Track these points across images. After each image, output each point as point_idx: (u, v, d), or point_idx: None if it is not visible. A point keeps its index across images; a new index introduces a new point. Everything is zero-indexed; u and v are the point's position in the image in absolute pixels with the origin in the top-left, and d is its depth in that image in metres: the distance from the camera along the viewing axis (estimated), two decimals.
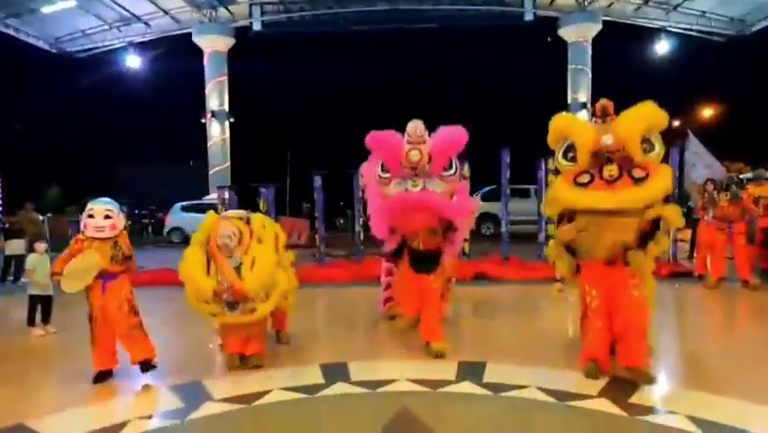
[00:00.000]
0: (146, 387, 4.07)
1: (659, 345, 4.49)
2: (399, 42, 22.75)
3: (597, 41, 20.90)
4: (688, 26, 21.48)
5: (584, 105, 20.45)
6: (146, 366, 4.20)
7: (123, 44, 21.80)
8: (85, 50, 22.08)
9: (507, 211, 10.64)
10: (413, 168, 4.40)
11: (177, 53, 21.75)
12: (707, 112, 28.84)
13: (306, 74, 24.34)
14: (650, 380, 3.78)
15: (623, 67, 22.83)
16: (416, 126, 4.49)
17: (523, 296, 7.64)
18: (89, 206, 4.15)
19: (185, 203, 17.90)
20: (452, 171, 4.55)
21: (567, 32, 20.81)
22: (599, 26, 20.55)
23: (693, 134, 14.95)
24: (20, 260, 9.66)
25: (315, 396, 3.84)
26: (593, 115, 4.07)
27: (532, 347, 5.01)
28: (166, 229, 18.00)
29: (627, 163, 3.72)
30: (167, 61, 22.71)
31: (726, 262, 8.08)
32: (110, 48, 22.05)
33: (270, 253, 4.33)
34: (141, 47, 22.01)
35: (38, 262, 5.87)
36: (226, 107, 21.30)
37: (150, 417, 3.54)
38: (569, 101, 20.98)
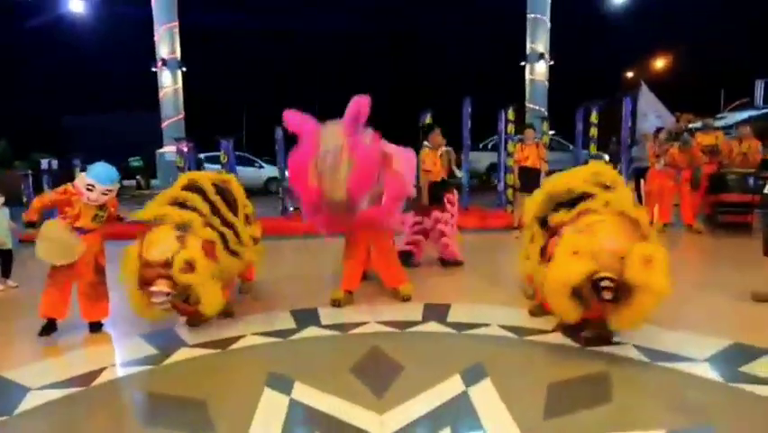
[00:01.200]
0: (119, 336, 4.13)
1: None
2: None
3: None
4: None
5: (542, 56, 20.56)
6: (95, 326, 4.25)
7: None
8: None
9: (467, 162, 10.81)
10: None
11: None
12: (660, 62, 29.52)
13: (262, 22, 23.51)
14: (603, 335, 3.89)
15: (580, 17, 22.95)
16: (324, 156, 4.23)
17: (484, 243, 7.90)
18: (89, 178, 4.04)
19: (207, 154, 17.17)
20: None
21: None
22: None
23: (645, 85, 15.34)
24: None
25: (288, 339, 3.99)
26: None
27: (493, 290, 5.27)
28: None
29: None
30: (113, 6, 21.51)
31: (672, 209, 8.54)
32: None
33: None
34: None
35: None
36: (178, 56, 20.46)
37: (125, 363, 3.61)
38: (527, 51, 21.04)
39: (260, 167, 19.25)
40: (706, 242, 7.70)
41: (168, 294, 3.54)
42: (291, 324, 4.29)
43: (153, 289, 3.53)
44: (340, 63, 23.27)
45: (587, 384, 3.10)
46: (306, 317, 4.43)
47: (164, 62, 20.08)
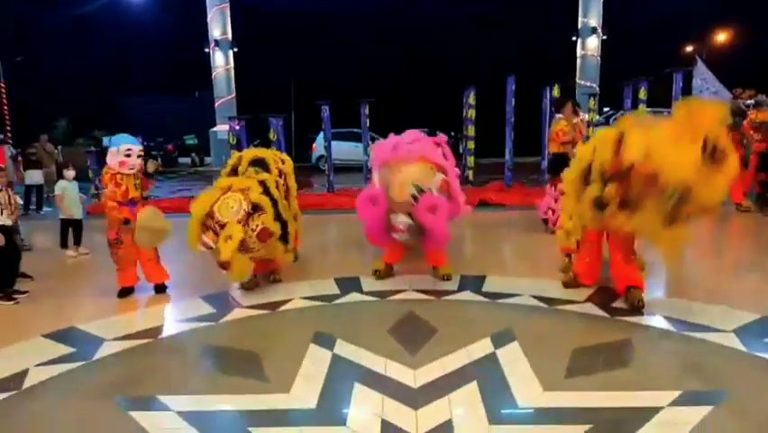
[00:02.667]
0: (181, 297, 4.56)
1: (654, 262, 4.80)
2: None
3: None
4: None
5: (594, 30, 20.05)
6: (160, 288, 4.70)
7: None
8: None
9: (512, 141, 10.83)
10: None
11: None
12: (722, 36, 28.16)
13: (310, 2, 23.71)
14: (639, 303, 3.92)
15: None
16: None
17: (523, 220, 7.99)
18: (120, 144, 4.46)
19: (334, 130, 17.89)
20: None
21: None
22: None
23: (701, 60, 14.81)
24: (39, 189, 10.10)
25: (332, 303, 4.31)
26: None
27: (529, 263, 5.44)
28: (314, 156, 18.48)
29: None
30: None
31: None
32: None
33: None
34: None
35: (67, 188, 6.25)
36: (229, 36, 21.01)
37: (187, 320, 4.01)
38: (579, 26, 20.54)
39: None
40: (753, 220, 7.57)
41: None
42: (335, 290, 4.61)
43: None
44: (383, 40, 23.26)
45: (609, 349, 3.28)
46: (349, 284, 4.74)
47: (216, 43, 20.69)
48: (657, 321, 3.70)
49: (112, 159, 4.51)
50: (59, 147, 15.75)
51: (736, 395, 2.70)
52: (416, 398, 2.73)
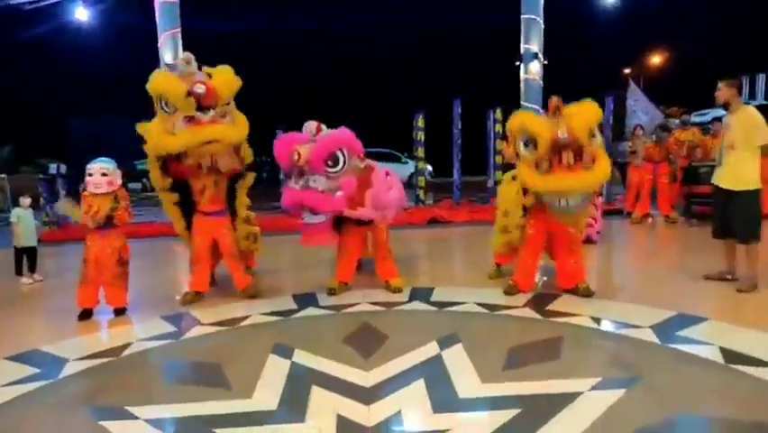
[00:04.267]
0: (142, 318, 4.70)
1: (590, 269, 5.30)
2: None
3: None
4: None
5: (536, 56, 21.05)
6: (119, 311, 4.82)
7: None
8: (30, 2, 21.24)
9: (459, 161, 11.36)
10: (297, 167, 4.51)
11: (127, 5, 21.14)
12: (655, 59, 29.99)
13: (261, 25, 24.03)
14: (589, 293, 4.69)
15: (574, 16, 23.39)
16: (307, 125, 4.66)
17: (471, 235, 8.46)
18: (88, 166, 4.62)
19: (367, 150, 17.70)
20: (336, 168, 4.52)
21: None
22: None
23: (634, 83, 15.86)
24: None
25: (290, 318, 4.55)
26: (546, 110, 4.49)
27: (474, 274, 5.82)
28: None
29: (579, 152, 4.24)
30: (116, 14, 22.05)
31: (650, 200, 9.09)
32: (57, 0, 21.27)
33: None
34: None
35: (22, 216, 6.28)
36: None
37: (149, 338, 4.17)
38: (521, 51, 21.53)
39: (405, 162, 19.63)
40: (678, 230, 8.25)
41: None
42: (293, 305, 4.86)
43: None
44: (336, 63, 23.81)
45: (541, 346, 3.66)
46: (306, 300, 5.00)
47: (168, 67, 20.66)
48: (585, 321, 4.12)
49: (84, 180, 4.70)
50: (4, 175, 15.43)
51: (647, 379, 3.09)
52: (368, 395, 3.01)
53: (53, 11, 21.45)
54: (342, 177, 4.56)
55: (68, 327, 4.54)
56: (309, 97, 21.47)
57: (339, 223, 5.07)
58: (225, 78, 4.68)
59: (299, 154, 4.38)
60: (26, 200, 6.37)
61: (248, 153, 5.10)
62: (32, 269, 6.40)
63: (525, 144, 4.44)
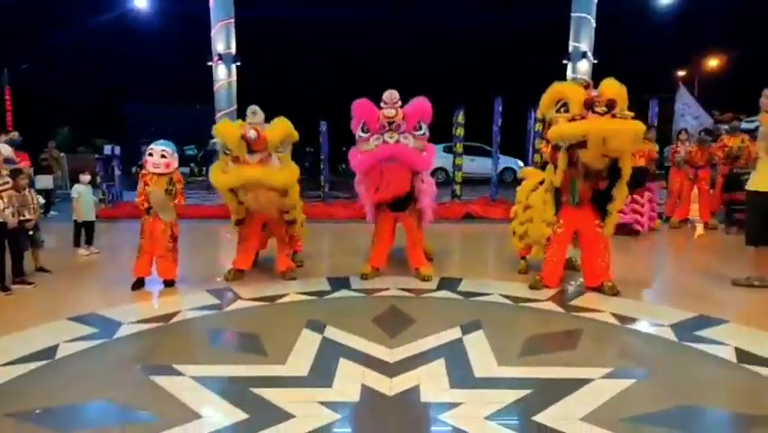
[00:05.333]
0: (188, 290, 5.09)
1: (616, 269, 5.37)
2: None
3: None
4: None
5: (584, 55, 20.77)
6: (169, 283, 5.20)
7: None
8: None
9: (498, 156, 11.45)
10: (390, 123, 4.97)
11: None
12: (712, 62, 29.08)
13: (314, 16, 24.43)
14: (615, 291, 4.80)
15: (626, 16, 22.94)
16: (390, 93, 5.10)
17: (504, 231, 8.53)
18: (150, 146, 5.03)
19: (446, 144, 18.34)
20: (421, 132, 5.14)
21: None
22: None
23: (684, 87, 15.55)
24: (49, 193, 10.59)
25: (323, 298, 4.85)
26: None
27: (503, 268, 5.99)
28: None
29: (612, 107, 4.38)
30: (173, 3, 22.86)
31: (689, 205, 9.00)
32: None
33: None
34: None
35: (82, 192, 6.78)
36: (233, 51, 21.63)
37: (195, 308, 4.53)
38: (570, 50, 21.28)
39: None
40: (715, 237, 8.16)
41: None
42: (327, 287, 5.15)
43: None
44: (382, 59, 24.01)
45: (559, 336, 3.84)
46: (340, 283, 5.28)
47: (220, 57, 21.30)
48: (606, 317, 4.25)
49: (143, 159, 5.10)
50: (63, 154, 16.31)
51: (658, 372, 3.24)
52: (391, 369, 3.26)
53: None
54: (424, 140, 5.17)
55: (121, 295, 4.96)
56: (352, 89, 21.82)
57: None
58: (278, 127, 5.05)
59: (396, 111, 4.96)
60: (86, 177, 6.86)
61: (293, 201, 5.42)
62: (89, 241, 6.89)
63: (559, 109, 4.62)
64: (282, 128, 5.06)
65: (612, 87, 4.50)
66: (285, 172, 5.01)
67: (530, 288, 5.01)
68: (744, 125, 11.26)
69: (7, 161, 5.70)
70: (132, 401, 2.92)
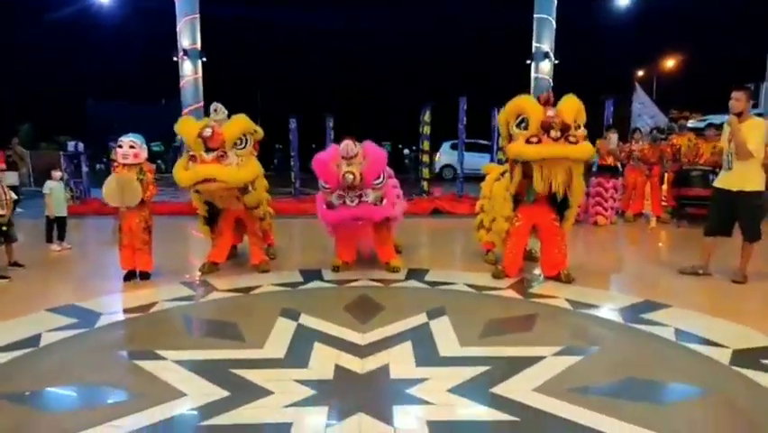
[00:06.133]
0: (165, 282, 5.23)
1: (573, 259, 5.72)
2: None
3: None
4: None
5: (546, 55, 21.37)
6: (144, 275, 5.34)
7: None
8: None
9: (462, 155, 11.81)
10: (350, 184, 5.02)
11: None
12: (669, 62, 30.19)
13: (278, 14, 24.47)
14: (570, 279, 5.16)
15: (586, 18, 23.66)
16: (346, 146, 5.08)
17: (470, 226, 8.88)
18: (119, 139, 5.15)
19: (453, 141, 18.11)
20: (379, 181, 5.20)
21: None
22: None
23: (640, 87, 16.21)
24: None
25: (297, 289, 5.07)
26: (538, 101, 4.99)
27: (468, 260, 6.31)
28: (438, 166, 18.04)
29: (566, 131, 4.74)
30: None
31: (644, 201, 9.52)
32: None
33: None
34: None
35: (54, 188, 6.82)
36: (198, 46, 21.50)
37: (172, 300, 4.70)
38: (533, 50, 21.85)
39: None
40: (666, 230, 8.68)
41: None
42: (300, 279, 5.37)
43: None
44: (350, 57, 24.23)
45: (517, 320, 4.16)
46: (312, 275, 5.50)
47: (185, 53, 21.14)
48: (561, 302, 4.59)
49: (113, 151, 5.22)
50: (27, 151, 16.02)
51: (603, 350, 3.59)
52: (362, 351, 3.51)
53: None
54: (383, 187, 5.27)
55: (97, 288, 5.08)
56: (319, 91, 22.01)
57: None
58: (235, 124, 5.20)
59: (353, 175, 4.96)
60: (57, 174, 6.92)
61: (256, 197, 5.51)
62: (61, 237, 6.94)
63: (519, 124, 4.91)
64: (239, 125, 5.19)
65: (571, 107, 4.83)
66: (242, 170, 5.09)
67: (492, 277, 5.33)
68: (690, 124, 11.88)
69: None
70: (117, 383, 3.10)
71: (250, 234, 5.78)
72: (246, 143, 5.21)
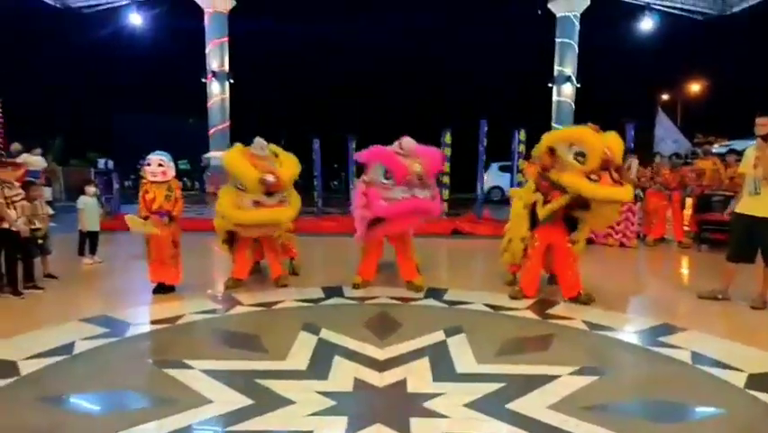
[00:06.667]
0: (191, 296, 5.41)
1: (588, 282, 5.77)
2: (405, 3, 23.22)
3: (584, 15, 21.79)
4: (671, 4, 22.41)
5: (568, 79, 21.49)
6: (168, 289, 5.52)
7: (127, 2, 22.46)
8: (89, 6, 22.71)
9: (483, 177, 11.90)
10: (419, 178, 5.14)
11: (178, 13, 22.39)
12: (692, 87, 30.02)
13: (305, 37, 25.04)
14: (590, 300, 5.21)
15: (608, 42, 23.74)
16: (409, 144, 5.27)
17: (489, 247, 8.96)
18: (148, 156, 5.39)
19: (501, 163, 18.58)
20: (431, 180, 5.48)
21: (557, 6, 21.67)
22: (588, 2, 21.42)
23: (663, 112, 16.20)
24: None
25: (318, 304, 5.21)
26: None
27: (486, 281, 6.39)
28: (486, 187, 17.80)
29: (618, 171, 4.94)
30: (168, 20, 23.33)
31: (665, 225, 9.50)
32: (114, 5, 22.70)
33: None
34: (144, 5, 22.65)
35: (88, 203, 7.10)
36: (227, 68, 22.11)
37: (198, 312, 4.87)
38: (555, 74, 21.99)
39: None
40: (687, 254, 8.63)
41: None
42: (321, 295, 5.52)
43: None
44: (372, 79, 24.64)
45: (534, 340, 4.23)
46: (333, 291, 5.64)
47: (214, 74, 21.77)
48: (578, 324, 4.65)
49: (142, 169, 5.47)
50: (60, 167, 16.59)
51: (618, 371, 3.65)
52: (381, 366, 3.62)
53: (109, 14, 22.92)
54: (434, 188, 5.45)
55: (127, 300, 5.29)
56: (348, 110, 22.41)
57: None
58: (292, 169, 5.56)
59: (421, 166, 5.12)
60: (91, 189, 7.20)
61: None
62: (93, 251, 7.20)
63: (576, 156, 4.91)
64: (293, 167, 5.59)
65: (619, 146, 4.99)
66: (290, 208, 5.53)
67: (510, 298, 5.40)
68: (714, 149, 11.84)
69: (33, 173, 6.02)
70: (148, 389, 3.26)
71: (267, 250, 5.99)
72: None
